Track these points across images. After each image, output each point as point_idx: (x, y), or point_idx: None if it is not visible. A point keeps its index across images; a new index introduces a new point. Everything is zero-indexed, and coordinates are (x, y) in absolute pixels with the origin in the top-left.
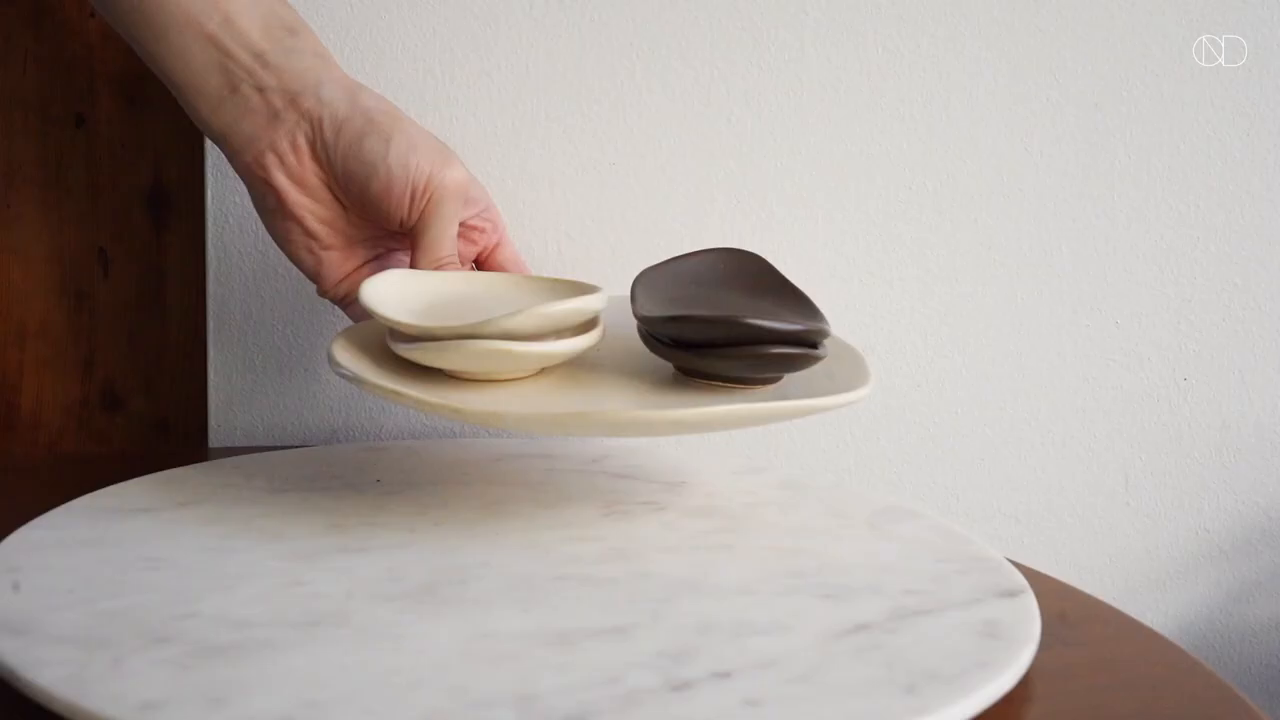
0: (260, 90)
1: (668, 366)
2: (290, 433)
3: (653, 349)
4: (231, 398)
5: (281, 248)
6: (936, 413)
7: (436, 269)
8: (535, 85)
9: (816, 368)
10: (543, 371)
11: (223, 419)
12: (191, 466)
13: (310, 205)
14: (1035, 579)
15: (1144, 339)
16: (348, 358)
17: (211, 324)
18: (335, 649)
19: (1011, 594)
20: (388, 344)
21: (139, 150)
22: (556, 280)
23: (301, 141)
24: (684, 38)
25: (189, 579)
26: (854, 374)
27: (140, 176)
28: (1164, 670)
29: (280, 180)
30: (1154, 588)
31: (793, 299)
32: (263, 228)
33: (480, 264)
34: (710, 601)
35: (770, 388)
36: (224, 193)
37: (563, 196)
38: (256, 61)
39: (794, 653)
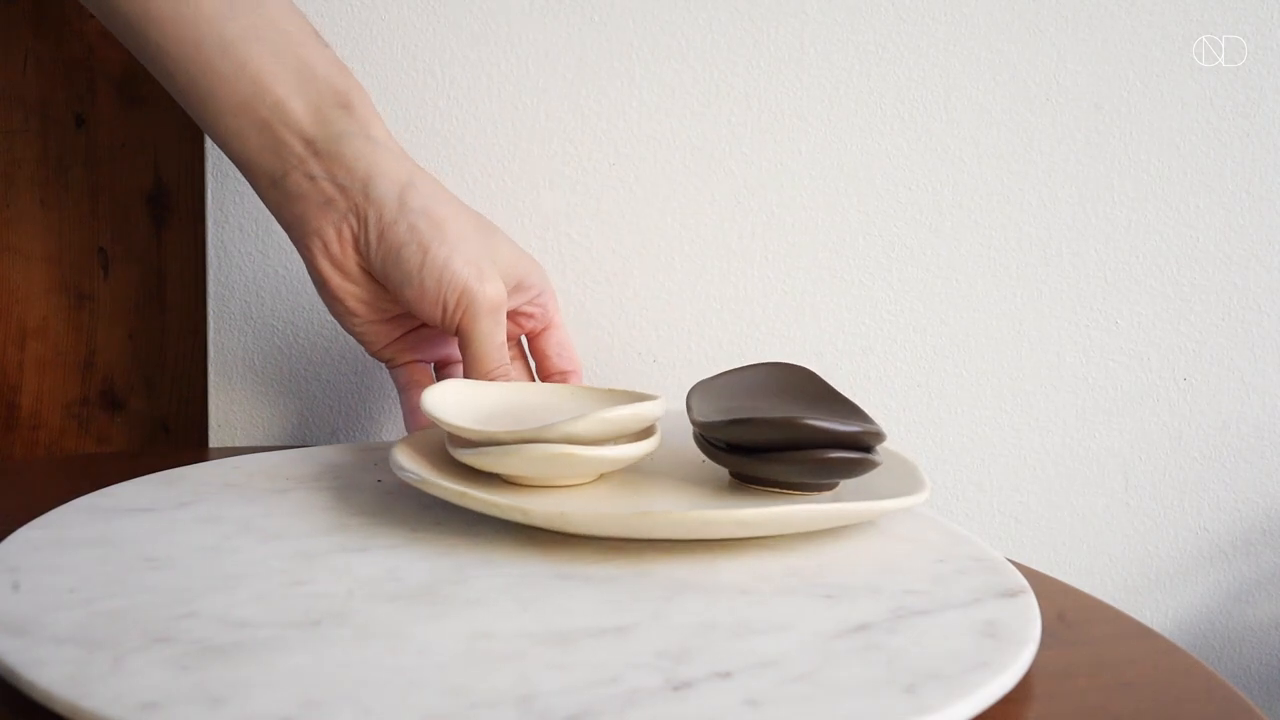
0: (310, 178)
1: (722, 474)
2: (290, 433)
3: (710, 455)
4: (231, 398)
5: (330, 313)
6: (936, 413)
7: (489, 380)
8: (535, 85)
9: (869, 475)
10: (601, 478)
11: (223, 419)
12: (191, 466)
13: (351, 288)
14: (1035, 579)
15: (1144, 339)
16: (410, 462)
17: (211, 324)
18: (335, 649)
19: (1011, 594)
20: (448, 450)
21: (139, 150)
22: (612, 390)
23: (346, 233)
24: (684, 38)
25: (189, 579)
26: (908, 478)
27: (140, 176)
28: (1164, 670)
29: (323, 265)
30: (1154, 588)
31: (845, 408)
32: (262, 228)
33: (530, 346)
34: (710, 601)
35: (826, 494)
36: (224, 193)
37: (563, 197)
38: (307, 149)
39: (794, 653)
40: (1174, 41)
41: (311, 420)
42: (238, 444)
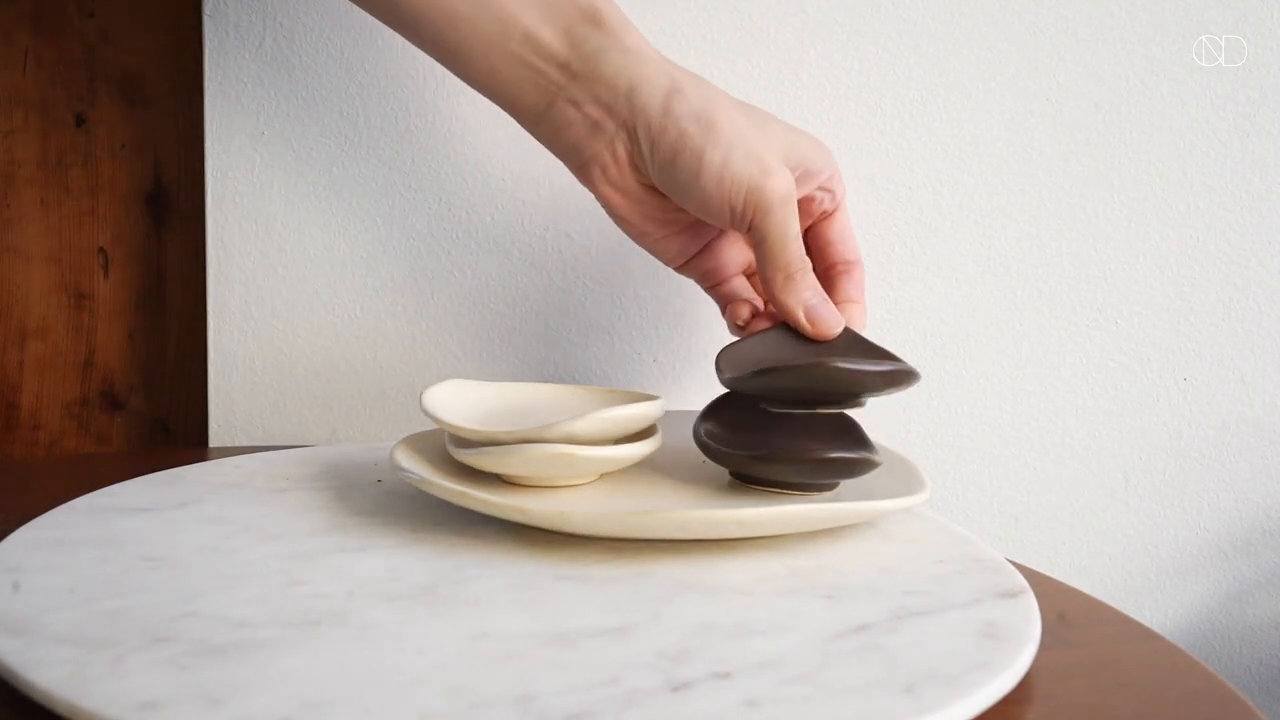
0: (574, 103)
1: (722, 474)
2: (290, 433)
3: (710, 455)
4: (231, 398)
5: (625, 234)
6: (937, 413)
7: (787, 280)
8: None
9: (869, 476)
10: (601, 479)
11: (223, 419)
12: (191, 466)
13: (636, 208)
14: (1035, 579)
15: (1144, 339)
16: (410, 462)
17: (211, 324)
18: (335, 649)
19: (1011, 594)
20: (448, 450)
21: (139, 150)
22: (612, 390)
23: (621, 152)
24: (684, 37)
25: (189, 579)
26: (908, 478)
27: (140, 176)
28: (1164, 670)
29: (605, 190)
30: (1154, 588)
31: (875, 352)
32: (262, 228)
33: (808, 234)
34: (710, 601)
35: (826, 494)
36: (224, 193)
37: (563, 196)
38: (564, 74)
39: (794, 653)
40: (1174, 41)
41: (311, 420)
42: (238, 444)
